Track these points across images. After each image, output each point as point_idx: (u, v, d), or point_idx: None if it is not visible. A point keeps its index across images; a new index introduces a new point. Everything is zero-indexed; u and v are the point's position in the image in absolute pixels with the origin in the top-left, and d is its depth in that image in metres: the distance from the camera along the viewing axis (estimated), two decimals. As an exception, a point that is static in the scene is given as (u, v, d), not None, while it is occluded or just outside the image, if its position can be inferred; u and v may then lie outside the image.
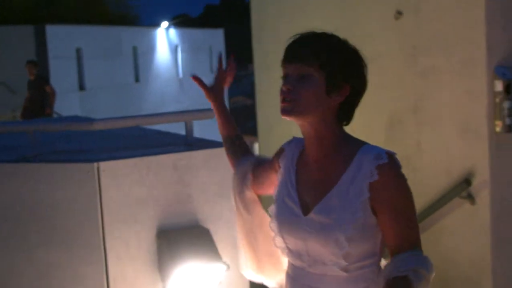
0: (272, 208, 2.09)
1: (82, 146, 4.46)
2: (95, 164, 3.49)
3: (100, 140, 4.58)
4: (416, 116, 5.42)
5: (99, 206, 3.49)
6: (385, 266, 1.90)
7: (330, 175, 1.95)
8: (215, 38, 28.28)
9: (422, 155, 5.29)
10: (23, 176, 3.69)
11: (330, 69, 1.91)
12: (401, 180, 1.88)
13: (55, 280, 3.62)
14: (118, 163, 3.58)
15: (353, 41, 2.01)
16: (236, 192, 2.31)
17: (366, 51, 2.05)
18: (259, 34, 7.49)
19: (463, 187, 5.00)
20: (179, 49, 25.53)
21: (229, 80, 2.48)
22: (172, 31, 25.40)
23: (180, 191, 3.68)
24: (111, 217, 3.52)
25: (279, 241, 2.06)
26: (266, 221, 2.21)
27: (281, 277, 2.22)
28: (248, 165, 2.32)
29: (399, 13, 5.44)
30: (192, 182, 3.71)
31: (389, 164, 1.86)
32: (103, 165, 3.51)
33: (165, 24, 25.19)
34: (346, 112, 1.98)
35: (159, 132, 4.92)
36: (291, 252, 2.03)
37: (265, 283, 2.31)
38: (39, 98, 13.10)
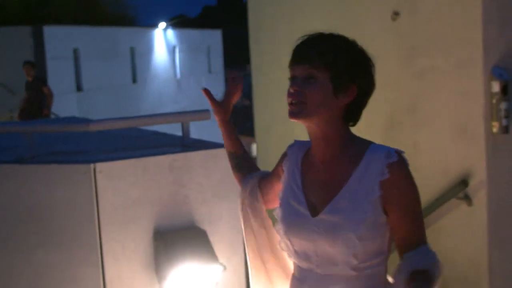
0: (277, 211, 2.09)
1: (79, 147, 4.46)
2: (92, 165, 3.49)
3: (97, 141, 4.58)
4: (413, 117, 5.42)
5: (95, 207, 3.49)
6: (402, 263, 1.90)
7: (337, 176, 1.96)
8: (213, 39, 28.30)
9: (419, 155, 5.29)
10: (20, 177, 3.68)
11: (336, 70, 1.92)
12: (410, 178, 1.91)
13: (52, 281, 3.62)
14: (115, 164, 3.58)
15: (351, 42, 2.00)
16: (247, 206, 2.29)
17: (363, 52, 2.04)
18: (256, 35, 7.48)
19: (460, 188, 5.00)
20: (176, 50, 25.53)
21: (237, 96, 2.46)
22: (170, 32, 25.40)
23: (177, 192, 3.68)
24: (107, 218, 3.52)
25: (285, 243, 2.05)
26: (276, 236, 2.21)
27: None
28: (255, 178, 2.32)
29: (396, 14, 5.45)
30: (188, 183, 3.71)
31: (399, 162, 1.89)
32: (100, 166, 3.51)
33: (162, 24, 25.19)
34: (353, 112, 1.99)
35: (156, 133, 4.91)
36: (297, 254, 2.02)
37: None
38: (37, 99, 13.09)
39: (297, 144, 2.15)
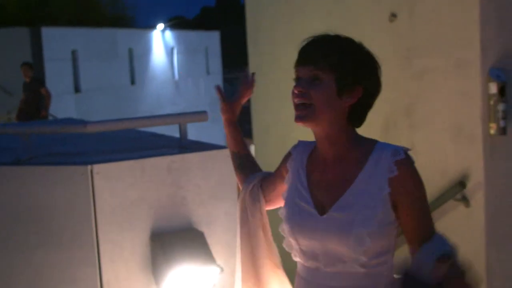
0: (282, 211, 2.10)
1: (76, 149, 4.45)
2: (89, 167, 3.48)
3: (95, 142, 4.57)
4: (410, 118, 5.43)
5: (93, 209, 3.49)
6: (422, 253, 1.89)
7: (345, 174, 1.97)
8: (211, 40, 28.30)
9: (417, 157, 5.24)
10: (18, 179, 3.68)
11: (340, 71, 1.93)
12: (418, 174, 1.95)
13: (49, 282, 3.61)
14: (112, 165, 3.57)
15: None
16: (248, 205, 2.30)
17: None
18: (255, 36, 7.49)
19: (458, 189, 5.00)
20: (175, 51, 25.53)
21: (248, 96, 2.46)
22: (168, 33, 25.40)
23: (174, 193, 3.68)
24: (105, 220, 3.51)
25: (291, 243, 2.05)
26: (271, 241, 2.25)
27: None
28: (257, 178, 2.32)
29: (393, 16, 5.45)
30: (186, 185, 3.71)
31: (406, 160, 1.93)
32: (97, 167, 3.50)
33: (161, 26, 25.19)
34: (357, 114, 2.00)
35: (153, 135, 4.91)
36: (304, 254, 2.02)
37: None
38: (35, 100, 13.09)
39: (301, 144, 2.16)
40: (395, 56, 5.50)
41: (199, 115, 4.00)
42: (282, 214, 2.09)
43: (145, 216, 3.60)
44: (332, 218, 1.94)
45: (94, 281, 3.51)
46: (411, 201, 1.92)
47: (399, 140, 5.40)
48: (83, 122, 4.29)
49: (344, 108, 1.96)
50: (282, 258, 2.31)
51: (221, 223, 3.74)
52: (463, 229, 5.08)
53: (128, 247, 3.57)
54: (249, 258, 2.29)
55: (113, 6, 31.63)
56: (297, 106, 1.97)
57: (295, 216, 2.03)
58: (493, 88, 4.77)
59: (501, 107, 4.74)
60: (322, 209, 1.98)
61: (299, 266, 2.09)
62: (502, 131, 4.76)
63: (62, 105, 16.53)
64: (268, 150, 7.09)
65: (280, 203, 2.23)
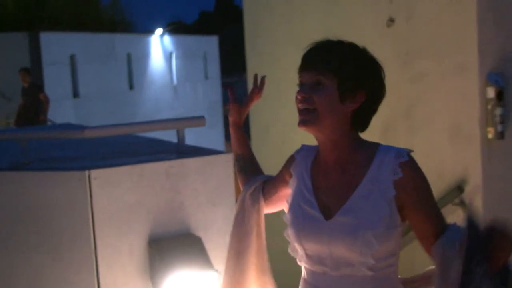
0: (287, 216, 2.09)
1: (74, 154, 4.45)
2: (87, 172, 3.48)
3: (93, 148, 4.57)
4: (408, 122, 5.43)
5: (90, 214, 3.49)
6: (443, 242, 1.89)
7: (349, 178, 1.98)
8: (210, 45, 28.31)
9: (415, 159, 5.29)
10: (15, 184, 3.68)
11: (342, 76, 1.94)
12: (422, 173, 1.98)
13: (46, 287, 3.61)
14: (110, 170, 3.57)
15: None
16: (247, 208, 2.29)
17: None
18: (253, 40, 7.49)
19: (456, 193, 5.00)
20: (173, 56, 25.54)
21: (257, 99, 2.46)
22: (167, 38, 25.41)
23: (172, 198, 3.68)
24: (102, 225, 3.51)
25: (296, 248, 2.05)
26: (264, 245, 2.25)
27: None
28: (259, 181, 2.32)
29: (391, 21, 5.46)
30: (184, 190, 3.71)
31: (409, 161, 1.97)
32: (95, 173, 3.50)
33: (159, 30, 25.21)
34: (361, 119, 2.01)
35: (151, 140, 4.91)
36: (310, 258, 2.02)
37: None
38: (33, 105, 13.10)
39: (305, 148, 2.16)
40: (394, 60, 5.51)
41: (197, 120, 4.00)
42: (287, 219, 2.09)
43: (143, 221, 3.60)
44: (338, 222, 1.95)
45: (92, 286, 3.50)
46: (420, 199, 1.94)
47: (397, 143, 5.37)
48: (81, 128, 4.29)
49: (347, 113, 1.97)
50: (286, 263, 2.30)
51: (219, 228, 3.74)
52: (461, 233, 5.07)
53: (126, 252, 3.57)
54: (234, 260, 2.29)
55: (112, 11, 31.65)
56: (300, 111, 1.98)
57: (300, 221, 2.03)
58: (491, 92, 4.78)
59: (498, 111, 4.75)
60: (327, 214, 1.98)
61: (305, 271, 2.08)
62: (500, 135, 4.77)
63: (61, 110, 16.54)
64: (266, 151, 7.08)
65: (280, 207, 2.24)
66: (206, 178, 3.77)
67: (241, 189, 2.37)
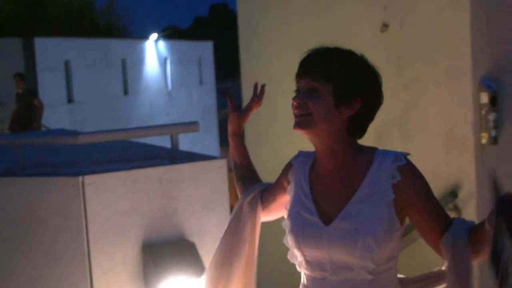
0: (286, 223, 2.09)
1: (69, 159, 4.45)
2: (80, 178, 3.48)
3: (87, 153, 4.57)
4: (402, 128, 5.44)
5: (84, 220, 3.48)
6: (451, 235, 1.91)
7: (348, 183, 1.99)
8: (204, 50, 28.33)
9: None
10: (9, 190, 3.67)
11: (337, 83, 1.95)
12: (420, 173, 1.98)
13: (40, 295, 3.60)
14: (104, 176, 3.57)
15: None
16: (245, 215, 2.28)
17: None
18: (247, 43, 7.49)
19: (449, 199, 5.01)
20: (168, 61, 25.55)
21: (257, 108, 2.45)
22: (161, 43, 25.43)
23: (166, 204, 3.67)
24: (96, 231, 3.50)
25: (296, 254, 2.05)
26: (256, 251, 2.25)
27: None
28: (257, 189, 2.31)
29: (385, 26, 5.47)
30: (178, 196, 3.70)
31: (407, 164, 1.97)
32: (88, 178, 3.49)
33: (154, 36, 25.22)
34: (358, 125, 2.02)
35: (145, 145, 4.91)
36: (310, 264, 2.02)
37: None
38: (27, 111, 13.07)
39: (302, 154, 2.16)
40: (387, 66, 5.51)
41: (191, 126, 4.00)
42: (286, 225, 2.08)
43: (137, 227, 3.60)
44: (337, 227, 1.95)
45: (86, 292, 3.50)
46: (422, 199, 1.95)
47: (391, 148, 5.32)
48: (75, 133, 4.29)
49: (343, 119, 1.98)
50: (286, 268, 2.30)
51: (212, 234, 3.73)
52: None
53: (119, 258, 3.56)
54: (219, 267, 2.29)
55: (106, 17, 31.66)
56: (296, 116, 1.99)
57: (299, 227, 2.02)
58: (485, 97, 4.79)
59: (492, 116, 4.75)
60: (326, 219, 1.98)
61: (304, 277, 2.08)
62: (494, 140, 4.77)
63: (55, 115, 16.53)
64: (260, 159, 7.09)
65: (279, 214, 2.24)
66: (200, 183, 3.76)
67: (240, 196, 2.37)
